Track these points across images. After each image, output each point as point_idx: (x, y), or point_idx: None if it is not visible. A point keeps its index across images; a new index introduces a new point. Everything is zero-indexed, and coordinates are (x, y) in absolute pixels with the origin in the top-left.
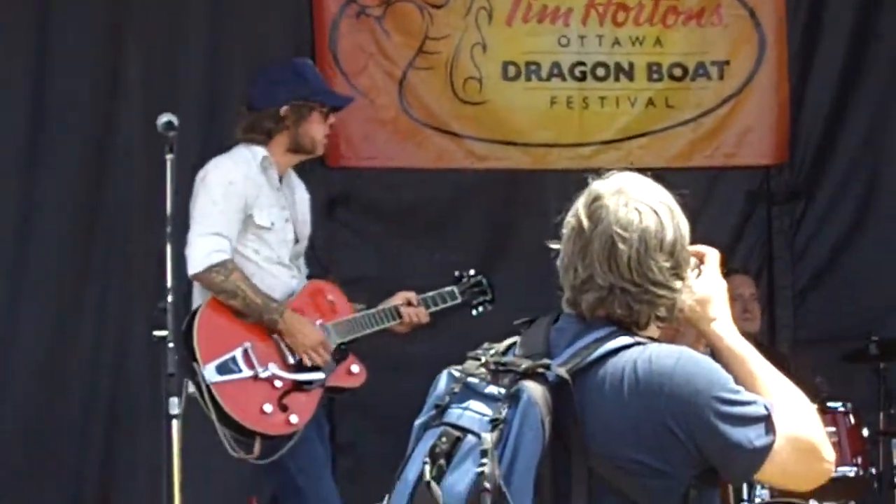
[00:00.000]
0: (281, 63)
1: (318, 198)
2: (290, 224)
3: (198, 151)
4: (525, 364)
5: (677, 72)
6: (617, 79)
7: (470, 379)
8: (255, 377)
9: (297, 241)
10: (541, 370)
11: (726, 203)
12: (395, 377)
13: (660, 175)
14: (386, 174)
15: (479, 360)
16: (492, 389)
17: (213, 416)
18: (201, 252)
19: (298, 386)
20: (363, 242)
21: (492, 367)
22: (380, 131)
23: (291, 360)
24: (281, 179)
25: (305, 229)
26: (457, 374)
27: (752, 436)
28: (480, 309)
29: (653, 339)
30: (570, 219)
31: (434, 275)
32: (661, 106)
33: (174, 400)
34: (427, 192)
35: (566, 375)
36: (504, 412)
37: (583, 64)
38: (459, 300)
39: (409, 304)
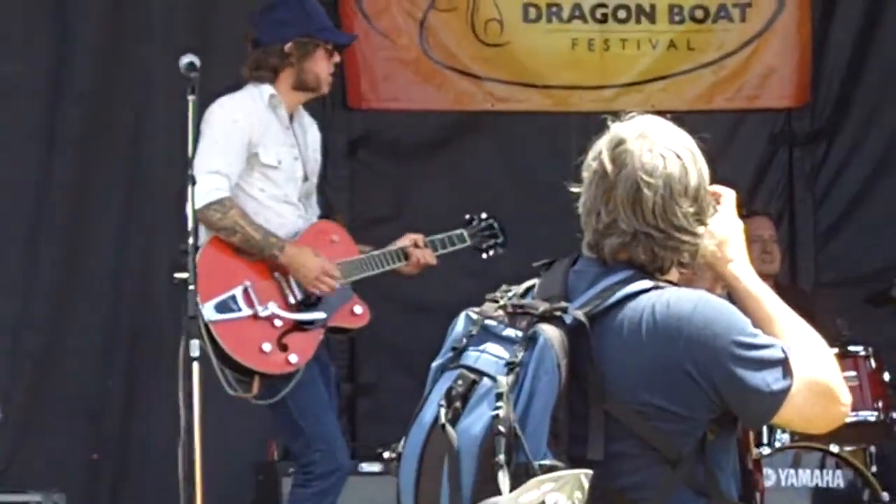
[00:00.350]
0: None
1: (340, 139)
2: (298, 162)
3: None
4: (542, 307)
5: (699, 13)
6: (638, 21)
7: (488, 321)
8: (255, 316)
9: (306, 179)
10: (558, 313)
11: (748, 145)
12: (417, 319)
13: (680, 118)
14: (407, 115)
15: (498, 302)
16: (509, 332)
17: (212, 355)
18: (199, 190)
19: (299, 325)
20: (383, 183)
21: (510, 309)
22: (401, 73)
23: (293, 300)
24: (292, 118)
25: (316, 168)
26: (475, 316)
27: (770, 379)
28: (491, 252)
29: (672, 284)
30: (592, 162)
31: (453, 216)
32: (682, 48)
33: (195, 342)
34: (447, 134)
35: (583, 318)
36: (520, 355)
37: (604, 6)
38: (469, 243)
39: (416, 245)
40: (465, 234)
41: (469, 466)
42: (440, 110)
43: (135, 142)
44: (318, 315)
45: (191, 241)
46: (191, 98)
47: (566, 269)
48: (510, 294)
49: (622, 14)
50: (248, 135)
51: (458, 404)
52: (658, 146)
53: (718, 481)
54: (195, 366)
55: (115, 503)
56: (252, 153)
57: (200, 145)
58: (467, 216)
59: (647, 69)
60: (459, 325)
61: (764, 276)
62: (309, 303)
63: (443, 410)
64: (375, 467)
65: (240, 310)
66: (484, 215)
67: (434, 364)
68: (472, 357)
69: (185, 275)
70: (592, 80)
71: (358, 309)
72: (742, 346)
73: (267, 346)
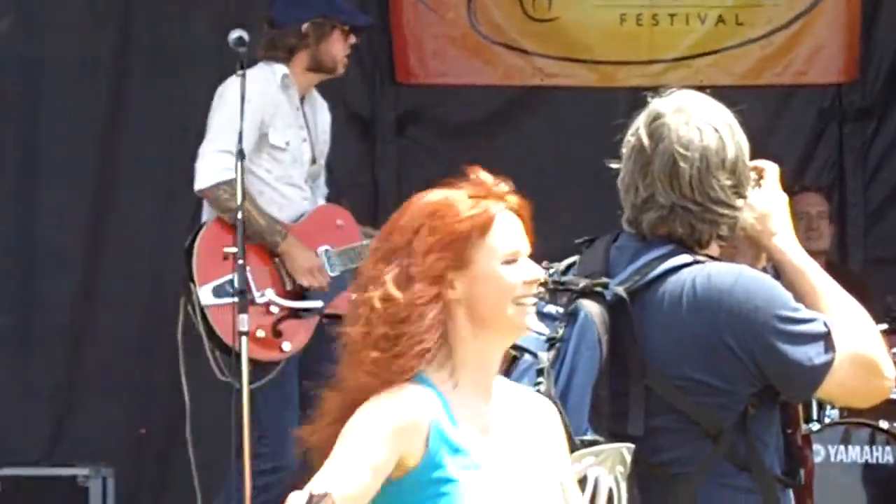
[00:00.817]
0: None
1: (388, 115)
2: (307, 144)
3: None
4: (583, 283)
5: None
6: None
7: None
8: (252, 302)
9: (314, 161)
10: (599, 289)
11: (797, 121)
12: None
13: (720, 93)
14: (455, 91)
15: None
16: (550, 308)
17: (204, 338)
18: (211, 168)
19: (295, 313)
20: (431, 158)
21: (551, 286)
22: (449, 48)
23: (290, 287)
24: (303, 99)
25: (325, 150)
26: None
27: (812, 353)
28: None
29: (712, 258)
30: (630, 138)
31: None
32: (731, 23)
33: (244, 317)
34: (495, 110)
35: (624, 294)
36: (561, 331)
37: None
38: None
39: None
40: None
41: None
42: (488, 86)
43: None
44: (315, 303)
45: (240, 215)
46: (240, 73)
47: (607, 246)
48: (551, 271)
49: None
50: (259, 115)
51: None
52: (695, 120)
53: (760, 456)
54: (244, 340)
55: (162, 477)
56: (262, 133)
57: (212, 122)
58: None
59: (695, 44)
60: None
61: (812, 253)
62: (306, 290)
63: None
64: None
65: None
66: None
67: None
68: None
69: (233, 249)
70: (641, 55)
71: None
72: (784, 321)
73: (261, 333)
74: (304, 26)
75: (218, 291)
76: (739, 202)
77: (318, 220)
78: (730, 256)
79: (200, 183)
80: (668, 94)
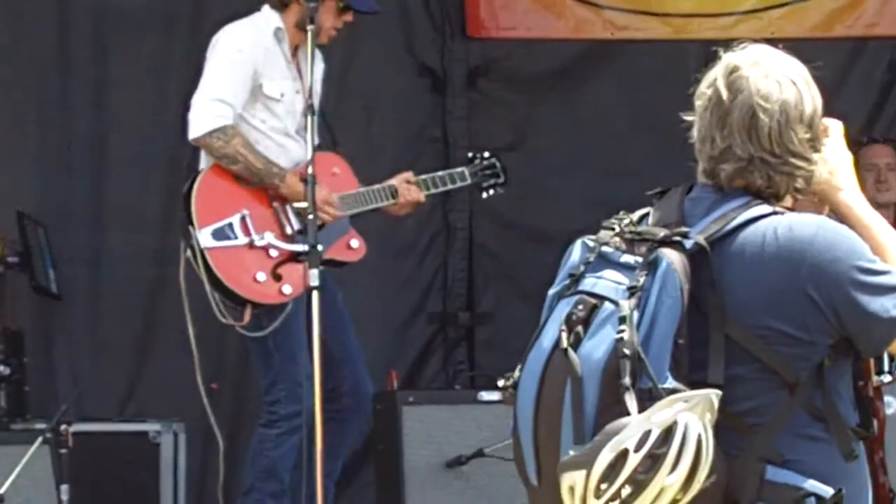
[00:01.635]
0: None
1: (458, 68)
2: (300, 95)
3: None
4: (662, 232)
5: None
6: None
7: (604, 248)
8: (251, 245)
9: (310, 113)
10: (678, 238)
11: (867, 73)
12: (535, 248)
13: (791, 45)
14: (526, 44)
15: (613, 229)
16: (627, 258)
17: (206, 281)
18: (203, 117)
19: (295, 257)
20: (502, 112)
21: (627, 235)
22: (520, 1)
23: (289, 230)
24: (297, 49)
25: (317, 102)
26: (591, 243)
27: (889, 305)
28: (491, 192)
29: (788, 210)
30: (706, 90)
31: (571, 144)
32: None
33: (314, 272)
34: (565, 63)
35: (704, 243)
36: (642, 280)
37: None
38: (469, 181)
39: (408, 182)
40: (466, 172)
41: (592, 390)
42: (559, 39)
43: None
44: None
45: (309, 170)
46: (310, 28)
47: (681, 197)
48: (626, 222)
49: None
50: (252, 65)
51: (579, 328)
52: (773, 73)
53: (836, 406)
54: (315, 295)
55: (233, 432)
56: (256, 84)
57: (205, 72)
58: (469, 154)
59: None
60: (575, 252)
61: (880, 205)
62: (305, 233)
63: (564, 335)
64: (494, 396)
65: (236, 237)
66: (486, 154)
67: (550, 292)
68: (590, 283)
69: (303, 204)
70: (712, 7)
71: (354, 243)
72: (863, 272)
73: (261, 276)
74: None
75: (218, 234)
76: (815, 155)
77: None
78: (793, 209)
79: (193, 132)
80: (742, 48)
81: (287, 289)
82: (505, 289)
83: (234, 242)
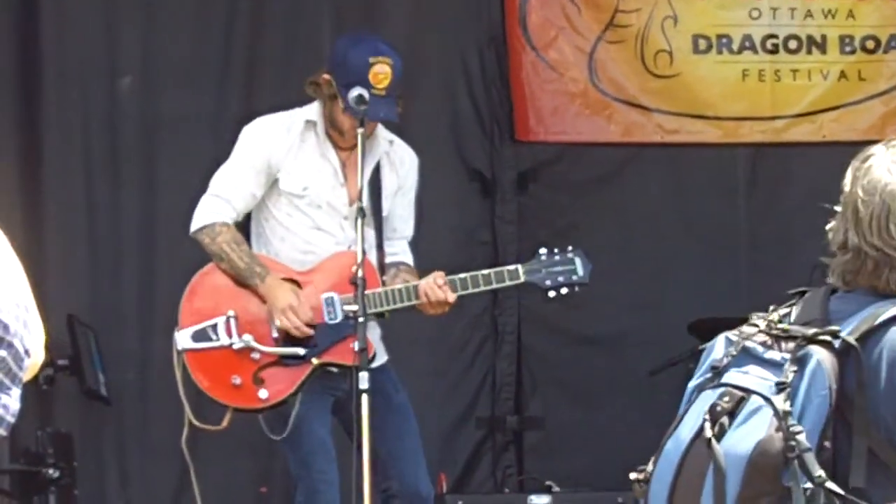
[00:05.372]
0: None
1: (508, 173)
2: (343, 190)
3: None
4: (811, 330)
5: (870, 44)
6: (809, 51)
7: (748, 343)
8: (230, 347)
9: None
10: (827, 337)
11: None
12: (583, 351)
13: (845, 151)
14: (575, 148)
15: (758, 325)
16: (772, 355)
17: (179, 383)
18: (199, 212)
19: (280, 360)
20: (551, 216)
21: (774, 332)
22: (569, 105)
23: (276, 333)
24: (354, 148)
25: (384, 203)
26: (734, 338)
27: None
28: (564, 290)
29: None
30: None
31: (621, 248)
32: (853, 79)
33: (364, 374)
34: (615, 167)
35: (854, 342)
36: (790, 376)
37: (774, 37)
38: (522, 279)
39: (436, 282)
40: (520, 270)
41: (735, 483)
42: (609, 143)
43: None
44: (297, 350)
45: (360, 273)
46: (360, 130)
47: (825, 296)
48: (772, 318)
49: (793, 45)
50: (265, 159)
51: (724, 420)
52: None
53: None
54: (364, 398)
55: None
56: (272, 178)
57: (220, 168)
58: (543, 250)
59: (817, 99)
60: (718, 346)
61: None
62: (294, 336)
63: (707, 425)
64: (544, 499)
65: (218, 339)
66: (570, 248)
67: (691, 384)
68: (734, 377)
69: (354, 307)
70: (763, 110)
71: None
72: None
73: (237, 379)
74: (324, 76)
75: (198, 336)
76: None
77: (330, 266)
78: None
79: (191, 228)
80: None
81: (263, 393)
82: (553, 393)
83: (213, 344)
